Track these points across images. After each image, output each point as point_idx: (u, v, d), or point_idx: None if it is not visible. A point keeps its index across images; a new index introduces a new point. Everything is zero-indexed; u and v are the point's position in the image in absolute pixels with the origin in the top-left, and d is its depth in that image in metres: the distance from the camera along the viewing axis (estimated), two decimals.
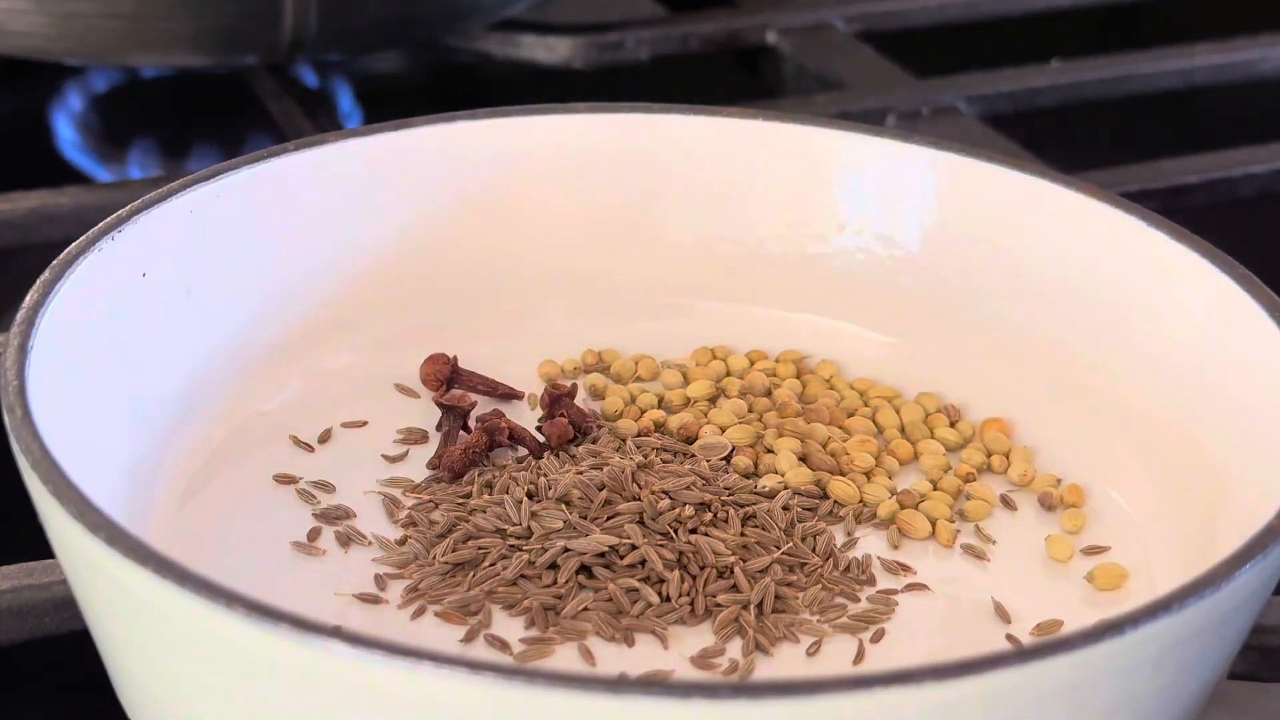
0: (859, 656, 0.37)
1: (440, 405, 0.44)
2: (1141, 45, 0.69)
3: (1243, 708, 0.39)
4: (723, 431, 0.44)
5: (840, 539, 0.41)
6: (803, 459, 0.43)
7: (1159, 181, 0.60)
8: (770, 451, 0.43)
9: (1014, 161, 0.46)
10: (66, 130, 0.64)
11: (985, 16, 0.74)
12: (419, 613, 0.38)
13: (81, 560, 0.33)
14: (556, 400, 0.44)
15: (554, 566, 0.39)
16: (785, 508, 0.41)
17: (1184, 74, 0.68)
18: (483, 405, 0.45)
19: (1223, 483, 0.39)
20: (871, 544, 0.41)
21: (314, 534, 0.40)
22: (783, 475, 0.42)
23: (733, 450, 0.43)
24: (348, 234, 0.46)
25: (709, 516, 0.40)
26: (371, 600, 0.38)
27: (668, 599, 0.38)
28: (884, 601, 0.39)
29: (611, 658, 0.37)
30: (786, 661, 0.37)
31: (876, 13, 0.72)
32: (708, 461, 0.42)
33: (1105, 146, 0.70)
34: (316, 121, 0.61)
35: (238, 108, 0.65)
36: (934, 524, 0.41)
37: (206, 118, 0.67)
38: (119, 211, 0.42)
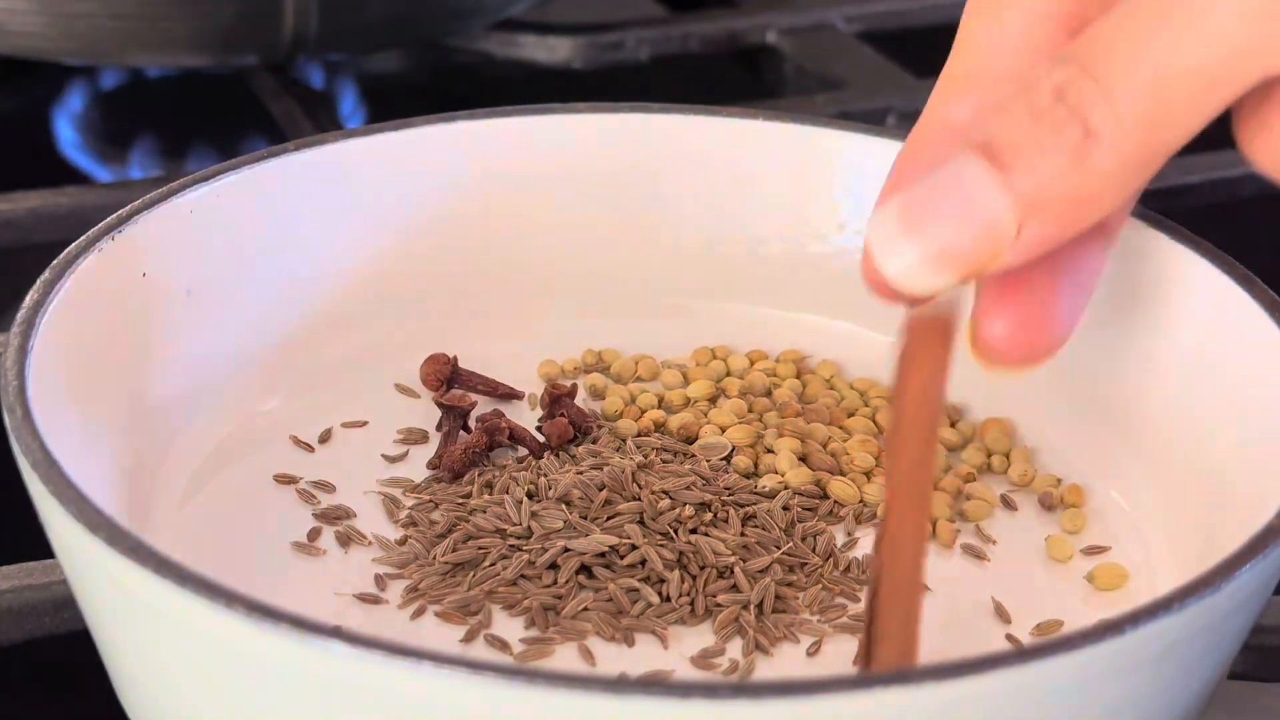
0: (859, 656, 0.37)
1: (440, 405, 0.44)
2: None
3: (1243, 708, 0.39)
4: (723, 431, 0.44)
5: (840, 539, 0.41)
6: (803, 459, 0.43)
7: (1159, 181, 0.60)
8: (770, 451, 0.43)
9: None
10: (67, 130, 0.64)
11: None
12: (419, 613, 0.38)
13: (81, 560, 0.33)
14: (556, 400, 0.44)
15: (554, 566, 0.39)
16: (785, 508, 0.41)
17: None
18: (483, 405, 0.45)
19: (1223, 482, 0.39)
20: (871, 544, 0.41)
21: (314, 534, 0.40)
22: (783, 475, 0.42)
23: (733, 450, 0.43)
24: (348, 234, 0.46)
25: (709, 516, 0.40)
26: (371, 600, 0.38)
27: (668, 599, 0.38)
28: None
29: (611, 658, 0.37)
30: (786, 662, 0.37)
31: (876, 13, 0.72)
32: (708, 461, 0.42)
33: None
34: (316, 121, 0.61)
35: (238, 108, 0.65)
36: (934, 524, 0.41)
37: (206, 118, 0.67)
38: (119, 211, 0.42)
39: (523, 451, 0.43)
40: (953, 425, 0.45)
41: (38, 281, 0.39)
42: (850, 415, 0.45)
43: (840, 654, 0.38)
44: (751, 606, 0.38)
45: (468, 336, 0.46)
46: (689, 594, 0.38)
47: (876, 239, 0.32)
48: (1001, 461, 0.44)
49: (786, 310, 0.48)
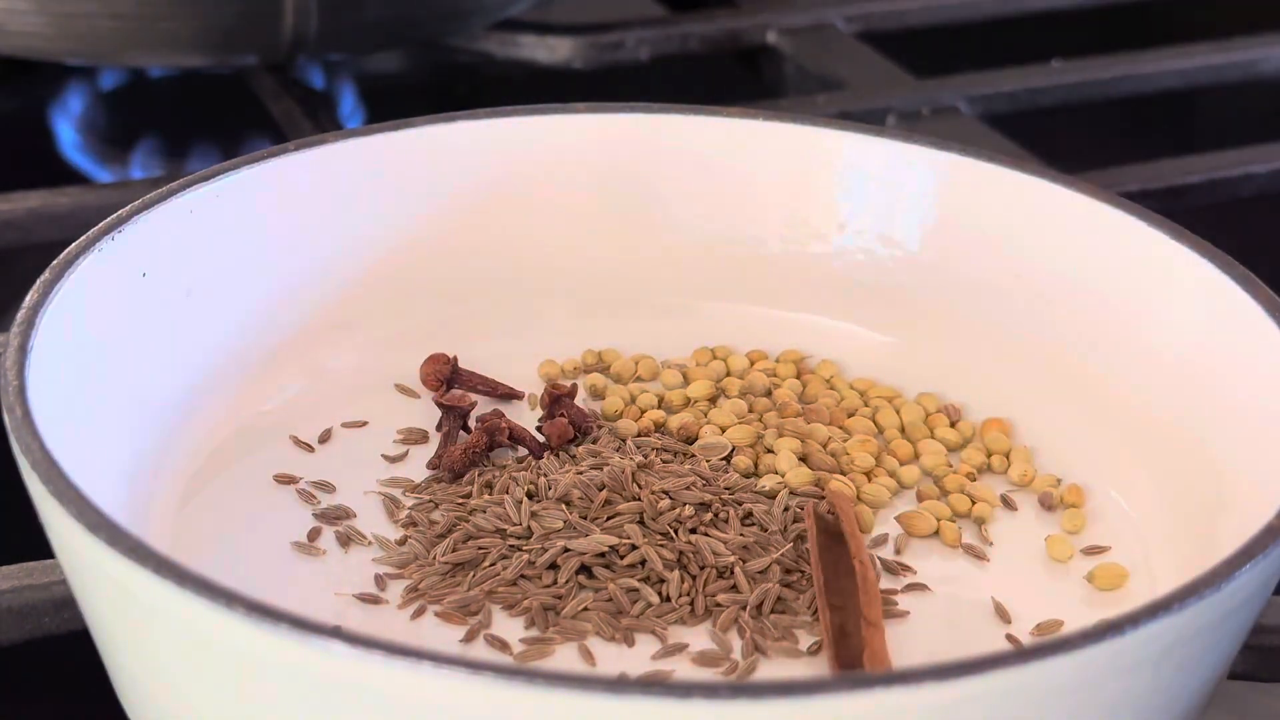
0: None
1: (440, 405, 0.44)
2: (1141, 45, 0.69)
3: (1243, 708, 0.39)
4: (723, 431, 0.44)
5: None
6: (803, 459, 0.43)
7: (1159, 181, 0.60)
8: (770, 451, 0.43)
9: (1014, 161, 0.46)
10: (67, 130, 0.64)
11: (985, 16, 0.74)
12: (419, 613, 0.38)
13: (81, 560, 0.33)
14: (556, 400, 0.44)
15: (554, 566, 0.39)
16: (785, 508, 0.41)
17: (1184, 74, 0.68)
18: (483, 405, 0.45)
19: (1223, 482, 0.39)
20: (872, 544, 0.41)
21: (314, 534, 0.40)
22: (783, 475, 0.42)
23: (733, 450, 0.43)
24: (348, 234, 0.46)
25: (709, 516, 0.40)
26: (371, 600, 0.38)
27: (668, 599, 0.38)
28: (884, 602, 0.39)
29: (611, 658, 0.37)
30: (786, 662, 0.37)
31: (876, 13, 0.72)
32: (708, 461, 0.42)
33: (1105, 146, 0.70)
34: (317, 122, 0.61)
35: (238, 108, 0.65)
36: (939, 523, 0.41)
37: (207, 118, 0.67)
38: (119, 211, 0.42)
39: (523, 451, 0.43)
40: (953, 425, 0.45)
41: (38, 281, 0.39)
42: (850, 415, 0.45)
43: None
44: (751, 607, 0.38)
45: (468, 336, 0.46)
46: (689, 594, 0.38)
47: None
48: (1001, 461, 0.44)
49: (786, 310, 0.48)
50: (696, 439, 0.44)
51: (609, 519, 0.40)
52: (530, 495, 0.41)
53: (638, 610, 0.38)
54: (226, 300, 0.44)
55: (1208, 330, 0.41)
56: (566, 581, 0.39)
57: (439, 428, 0.43)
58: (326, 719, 0.31)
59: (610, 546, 0.39)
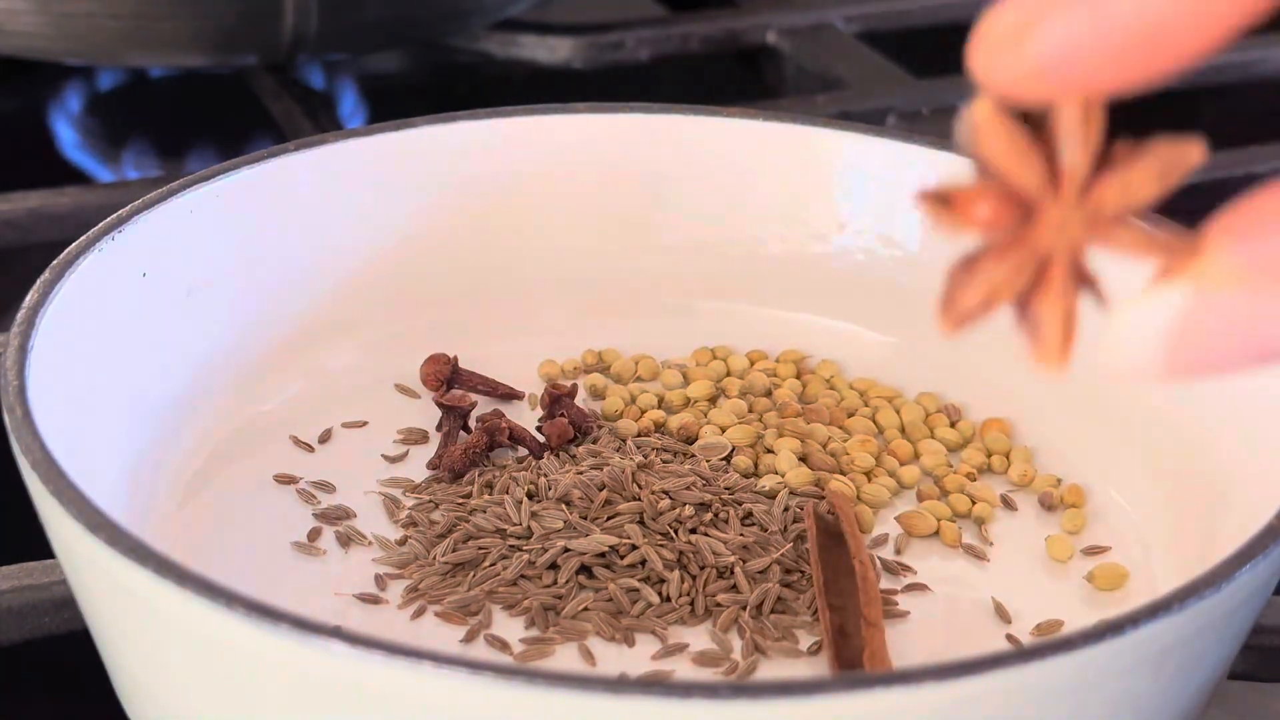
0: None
1: (440, 405, 0.44)
2: None
3: (1243, 708, 0.39)
4: (723, 431, 0.44)
5: None
6: (803, 459, 0.43)
7: None
8: (770, 451, 0.43)
9: None
10: (67, 130, 0.64)
11: None
12: (419, 613, 0.38)
13: (81, 560, 0.33)
14: (556, 400, 0.44)
15: (554, 566, 0.39)
16: (785, 508, 0.41)
17: (1184, 74, 0.68)
18: (483, 405, 0.45)
19: (1223, 482, 0.39)
20: (872, 544, 0.41)
21: (314, 534, 0.40)
22: (783, 475, 0.42)
23: (733, 450, 0.43)
24: (348, 234, 0.46)
25: (709, 516, 0.40)
26: (371, 600, 0.38)
27: (668, 599, 0.38)
28: (884, 602, 0.39)
29: (612, 658, 0.37)
30: (786, 662, 0.37)
31: (876, 13, 0.72)
32: (708, 461, 0.42)
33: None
34: (317, 122, 0.61)
35: (238, 108, 0.65)
36: (939, 523, 0.41)
37: (207, 118, 0.67)
38: (119, 211, 0.42)
39: (523, 451, 0.43)
40: (953, 425, 0.45)
41: (38, 281, 0.39)
42: (850, 415, 0.45)
43: None
44: (751, 607, 0.38)
45: (468, 336, 0.46)
46: (689, 594, 0.38)
47: (1131, 338, 0.24)
48: (1001, 461, 0.44)
49: (786, 310, 0.48)
50: (696, 439, 0.44)
51: (609, 519, 0.40)
52: (530, 495, 0.41)
53: (638, 610, 0.38)
54: (226, 300, 0.44)
55: None
56: (566, 581, 0.38)
57: (439, 428, 0.43)
58: (326, 719, 0.31)
59: (610, 546, 0.39)
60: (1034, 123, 0.24)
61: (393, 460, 0.43)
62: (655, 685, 0.29)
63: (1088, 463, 0.43)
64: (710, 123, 0.48)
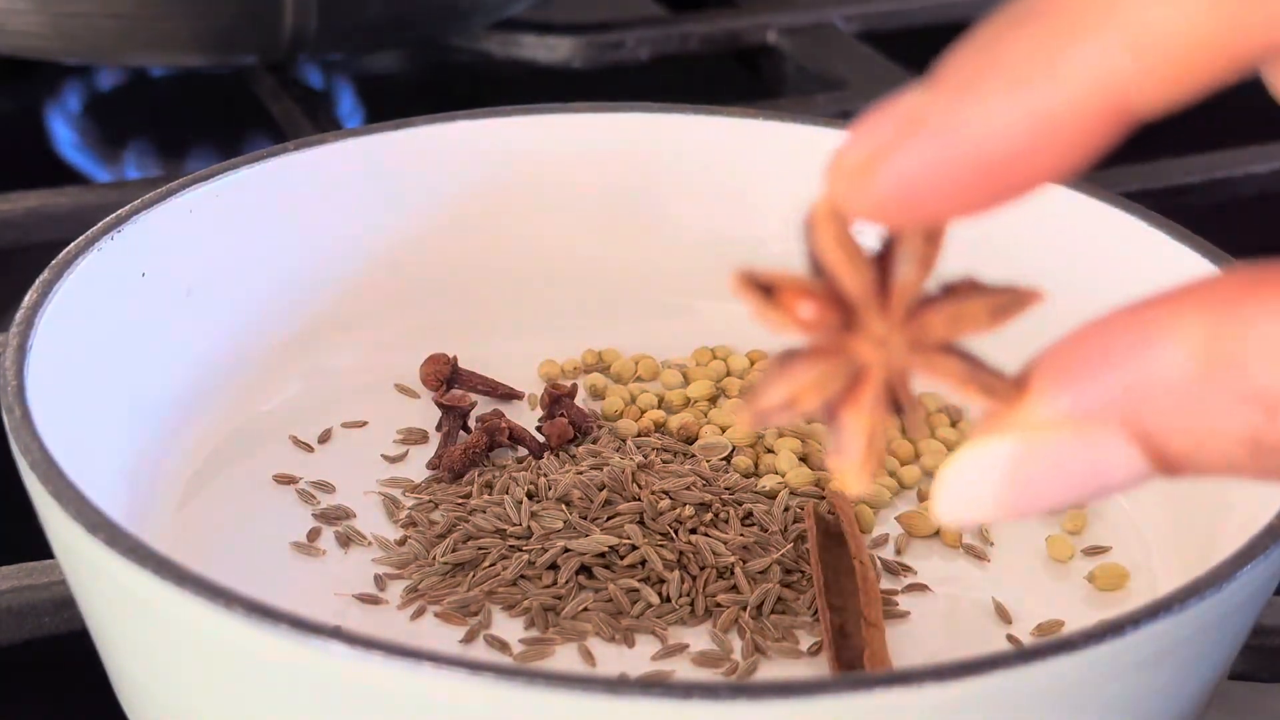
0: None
1: (440, 405, 0.44)
2: None
3: (1243, 708, 0.38)
4: (723, 431, 0.44)
5: None
6: (803, 459, 0.43)
7: (1159, 181, 0.60)
8: (770, 451, 0.43)
9: None
10: (66, 130, 0.64)
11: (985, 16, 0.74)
12: (419, 613, 0.38)
13: (81, 561, 0.33)
14: (556, 400, 0.44)
15: (554, 567, 0.39)
16: (785, 508, 0.41)
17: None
18: (483, 405, 0.45)
19: (1223, 482, 0.39)
20: (873, 544, 0.41)
21: (314, 534, 0.40)
22: (783, 475, 0.42)
23: (733, 450, 0.43)
24: (348, 234, 0.46)
25: (709, 517, 0.40)
26: (371, 601, 0.38)
27: (668, 599, 0.38)
28: (884, 602, 0.39)
29: (611, 658, 0.37)
30: (786, 662, 0.37)
31: (877, 12, 0.71)
32: (708, 461, 0.42)
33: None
34: (316, 122, 0.61)
35: (238, 108, 0.65)
36: (939, 523, 0.41)
37: (206, 118, 0.67)
38: (119, 211, 0.41)
39: (523, 451, 0.43)
40: (953, 425, 0.45)
41: (37, 281, 0.39)
42: None
43: None
44: (751, 607, 0.38)
45: (468, 336, 0.46)
46: (689, 594, 0.38)
47: (960, 488, 0.24)
48: None
49: None
50: (696, 439, 0.44)
51: (609, 519, 0.40)
52: (530, 495, 0.41)
53: (638, 611, 0.38)
54: (226, 300, 0.44)
55: None
56: (566, 582, 0.38)
57: (439, 428, 0.43)
58: None
59: (610, 547, 0.39)
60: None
61: (392, 460, 0.43)
62: (655, 686, 0.29)
63: None
64: (710, 122, 0.48)
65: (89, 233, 0.41)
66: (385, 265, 0.46)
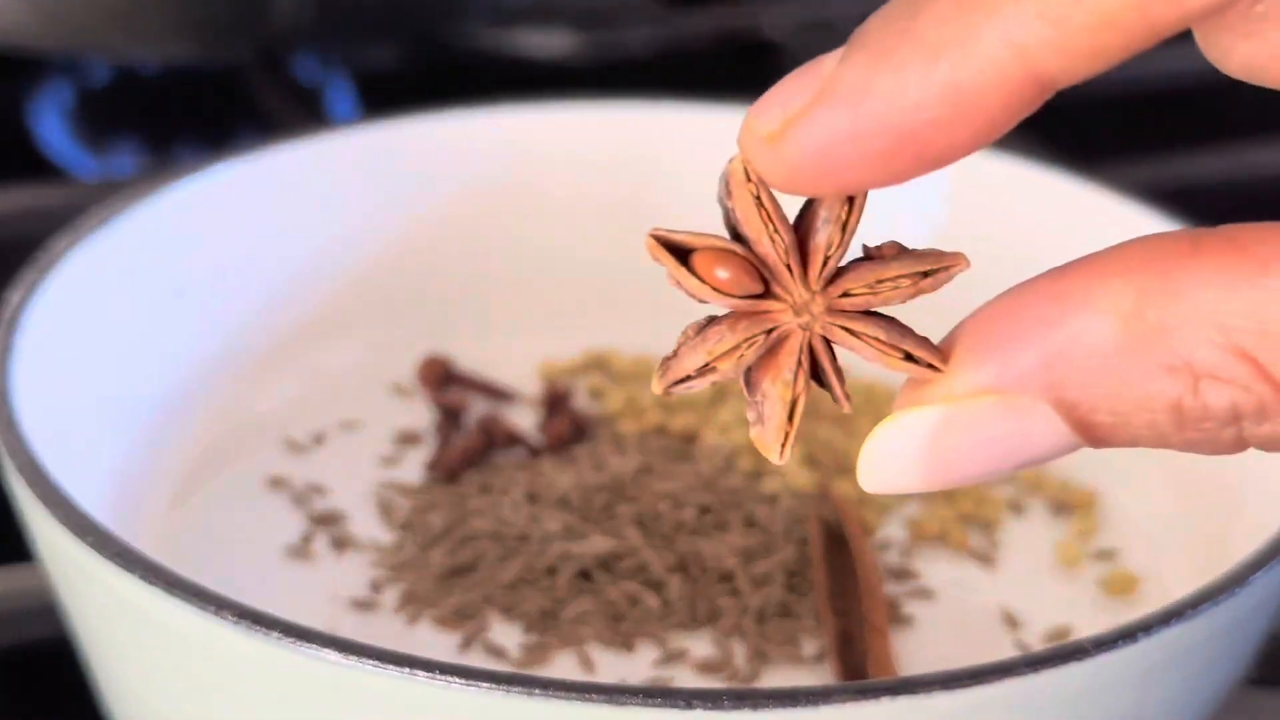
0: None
1: (437, 406, 0.43)
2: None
3: (1243, 710, 0.38)
4: (724, 433, 0.43)
5: None
6: (806, 460, 0.42)
7: (1173, 176, 0.60)
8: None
9: (1023, 157, 0.46)
10: (54, 126, 0.63)
11: None
12: (415, 618, 0.38)
13: (67, 566, 0.33)
14: (556, 401, 0.44)
15: (552, 571, 0.38)
16: (788, 511, 0.40)
17: (1197, 70, 0.67)
18: (480, 406, 0.44)
19: (1236, 486, 0.39)
20: (877, 548, 0.40)
21: (308, 537, 0.40)
22: (785, 477, 0.42)
23: (735, 452, 0.42)
24: (342, 231, 0.46)
25: (710, 519, 0.40)
26: (366, 605, 0.38)
27: (668, 604, 0.38)
28: (889, 607, 0.38)
29: (611, 664, 0.37)
30: (789, 669, 0.37)
31: (876, 7, 0.71)
32: (709, 463, 0.42)
33: (1119, 141, 0.69)
34: (309, 117, 0.61)
35: (229, 104, 0.65)
36: (945, 527, 0.41)
37: (196, 114, 0.67)
38: (107, 208, 0.41)
39: (521, 453, 0.43)
40: None
41: (22, 279, 0.39)
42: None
43: None
44: (753, 612, 0.38)
45: (465, 336, 0.46)
46: (690, 599, 0.38)
47: (883, 457, 0.24)
48: None
49: None
50: (697, 440, 0.43)
51: (608, 522, 0.39)
52: (529, 498, 0.40)
53: (638, 616, 0.38)
54: (218, 299, 0.44)
55: None
56: (565, 586, 0.38)
57: (436, 429, 0.43)
58: None
59: (610, 550, 0.38)
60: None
61: (388, 462, 0.43)
62: (656, 693, 0.29)
63: (1097, 465, 0.43)
64: (710, 117, 0.48)
65: (76, 229, 0.40)
66: (381, 263, 0.46)
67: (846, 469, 0.42)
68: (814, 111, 0.23)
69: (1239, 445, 0.22)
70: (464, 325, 0.47)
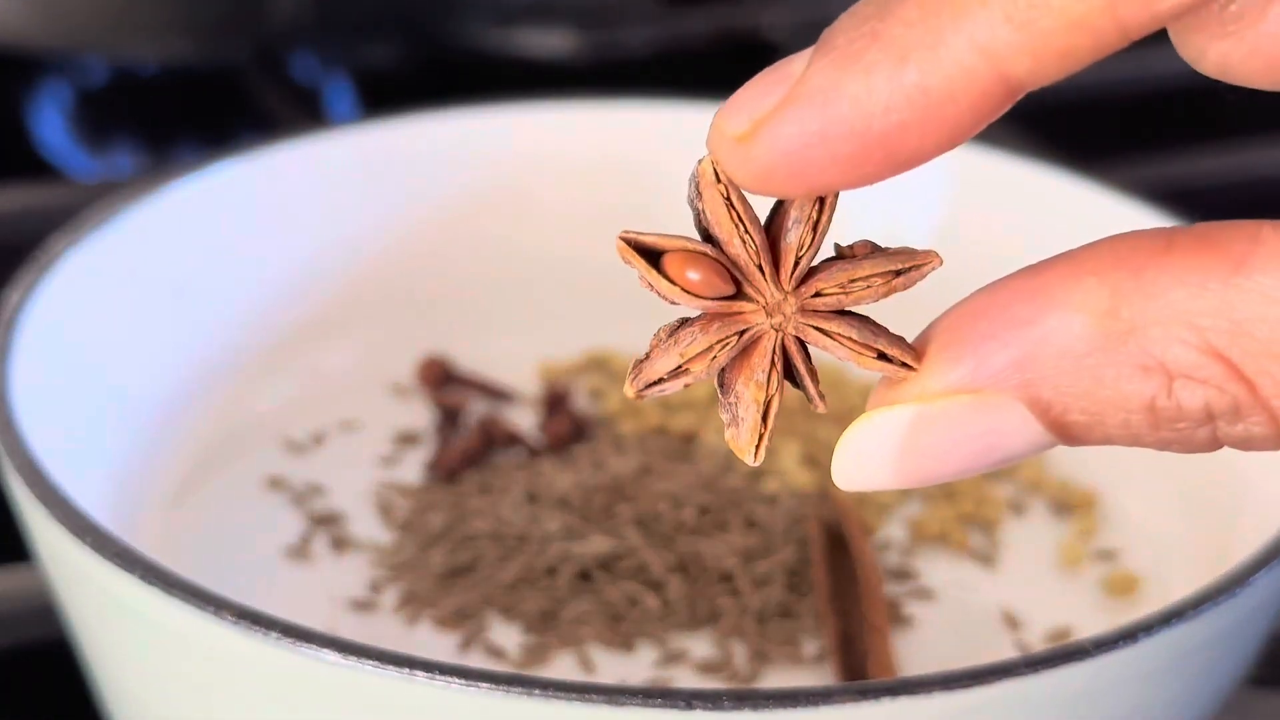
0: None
1: (437, 406, 0.43)
2: (1158, 39, 0.68)
3: (1243, 710, 0.38)
4: (724, 433, 0.43)
5: None
6: (807, 461, 0.42)
7: (1173, 176, 0.60)
8: (773, 453, 0.42)
9: (1024, 156, 0.46)
10: (53, 126, 0.63)
11: None
12: (414, 618, 0.38)
13: (66, 567, 0.33)
14: (556, 401, 0.44)
15: (552, 571, 0.38)
16: (788, 511, 0.40)
17: (1196, 70, 0.67)
18: (480, 406, 0.44)
19: (1237, 487, 0.39)
20: (878, 548, 0.40)
21: (307, 538, 0.40)
22: (786, 478, 0.42)
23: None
24: (342, 232, 0.46)
25: (710, 520, 0.40)
26: (366, 606, 0.38)
27: (668, 604, 0.38)
28: (890, 607, 0.38)
29: (611, 665, 0.37)
30: (789, 669, 0.37)
31: None
32: (709, 463, 0.42)
33: (1119, 142, 0.69)
34: (309, 117, 0.61)
35: (228, 104, 0.65)
36: (946, 527, 0.41)
37: (196, 113, 0.67)
38: (106, 208, 0.41)
39: (521, 453, 0.43)
40: None
41: (20, 279, 0.38)
42: (854, 416, 0.44)
43: None
44: (753, 613, 0.38)
45: (466, 336, 0.46)
46: (690, 600, 0.38)
47: (857, 457, 0.24)
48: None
49: None
50: (697, 440, 0.43)
51: (608, 522, 0.39)
52: (528, 498, 0.40)
53: (638, 616, 0.37)
54: (217, 299, 0.43)
55: None
56: (565, 586, 0.38)
57: (436, 429, 0.43)
58: None
59: (610, 551, 0.38)
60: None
61: (388, 462, 0.42)
62: (656, 693, 0.29)
63: (1099, 466, 0.43)
64: (710, 117, 0.47)
65: (74, 230, 0.40)
66: (381, 263, 0.46)
67: None
68: (783, 113, 0.23)
69: (1213, 444, 0.23)
70: (464, 325, 0.46)
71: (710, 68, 0.73)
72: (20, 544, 0.35)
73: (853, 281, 0.23)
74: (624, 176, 0.48)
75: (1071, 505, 0.42)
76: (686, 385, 0.23)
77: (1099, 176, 0.46)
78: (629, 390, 0.23)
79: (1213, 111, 0.69)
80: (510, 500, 0.40)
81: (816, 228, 0.23)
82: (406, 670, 0.29)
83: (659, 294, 0.23)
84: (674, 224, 0.49)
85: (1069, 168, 0.46)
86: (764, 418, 0.23)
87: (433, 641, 0.37)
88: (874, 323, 0.23)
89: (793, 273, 0.23)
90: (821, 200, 0.23)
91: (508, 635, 0.37)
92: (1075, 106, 0.65)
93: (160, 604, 0.30)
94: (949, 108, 0.22)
